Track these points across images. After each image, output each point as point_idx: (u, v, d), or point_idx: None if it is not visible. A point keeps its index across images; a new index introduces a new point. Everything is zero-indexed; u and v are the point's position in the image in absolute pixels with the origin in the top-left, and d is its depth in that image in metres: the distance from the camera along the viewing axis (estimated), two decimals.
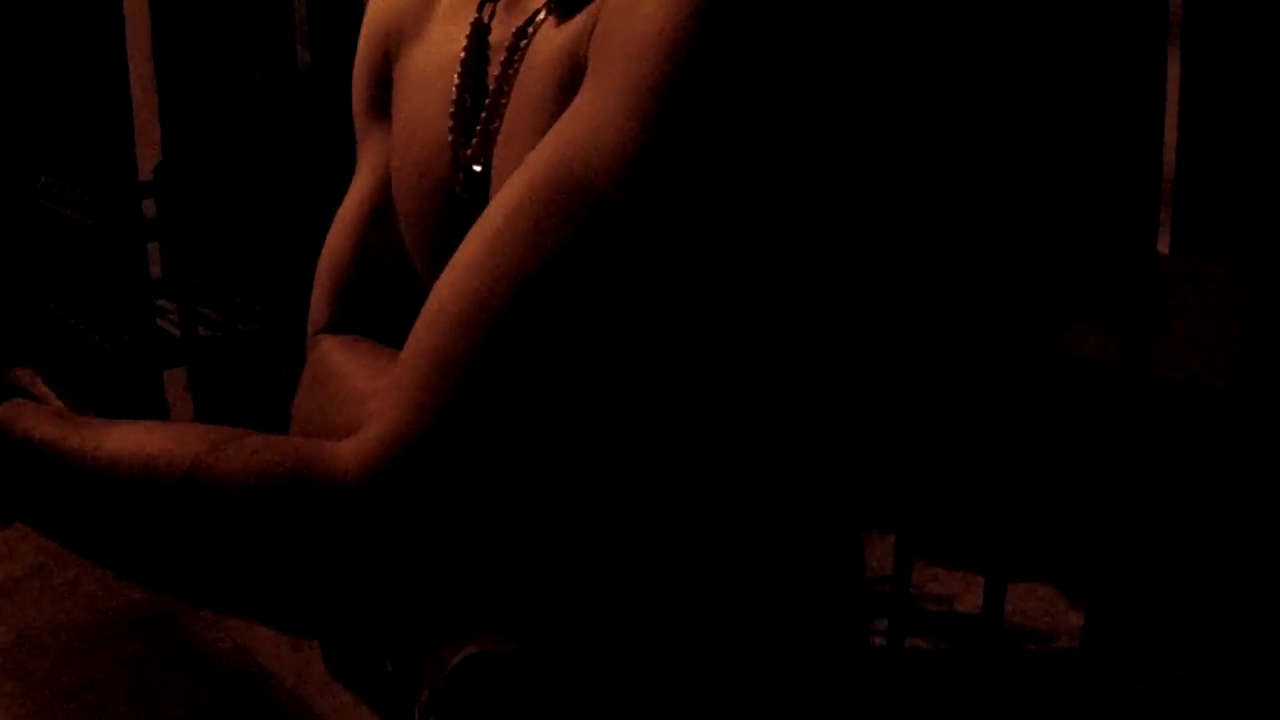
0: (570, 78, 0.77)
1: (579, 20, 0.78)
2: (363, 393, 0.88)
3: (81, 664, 3.27)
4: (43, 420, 0.79)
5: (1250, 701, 2.04)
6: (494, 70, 0.86)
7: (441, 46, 0.91)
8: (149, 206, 3.83)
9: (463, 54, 0.88)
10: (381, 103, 0.98)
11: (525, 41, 0.83)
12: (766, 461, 0.85)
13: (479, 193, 0.85)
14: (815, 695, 0.88)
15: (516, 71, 0.83)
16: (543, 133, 0.75)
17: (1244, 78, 2.54)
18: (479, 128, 0.85)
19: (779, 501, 0.87)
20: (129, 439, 0.75)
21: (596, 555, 0.83)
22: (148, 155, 3.97)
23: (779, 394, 0.85)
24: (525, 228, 0.71)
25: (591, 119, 0.71)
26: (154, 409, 4.13)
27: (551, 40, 0.80)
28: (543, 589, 0.83)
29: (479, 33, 0.87)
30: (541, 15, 0.82)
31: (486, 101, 0.85)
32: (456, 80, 0.87)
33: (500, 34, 0.86)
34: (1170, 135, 2.59)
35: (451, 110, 0.87)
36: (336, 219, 1.00)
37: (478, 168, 0.85)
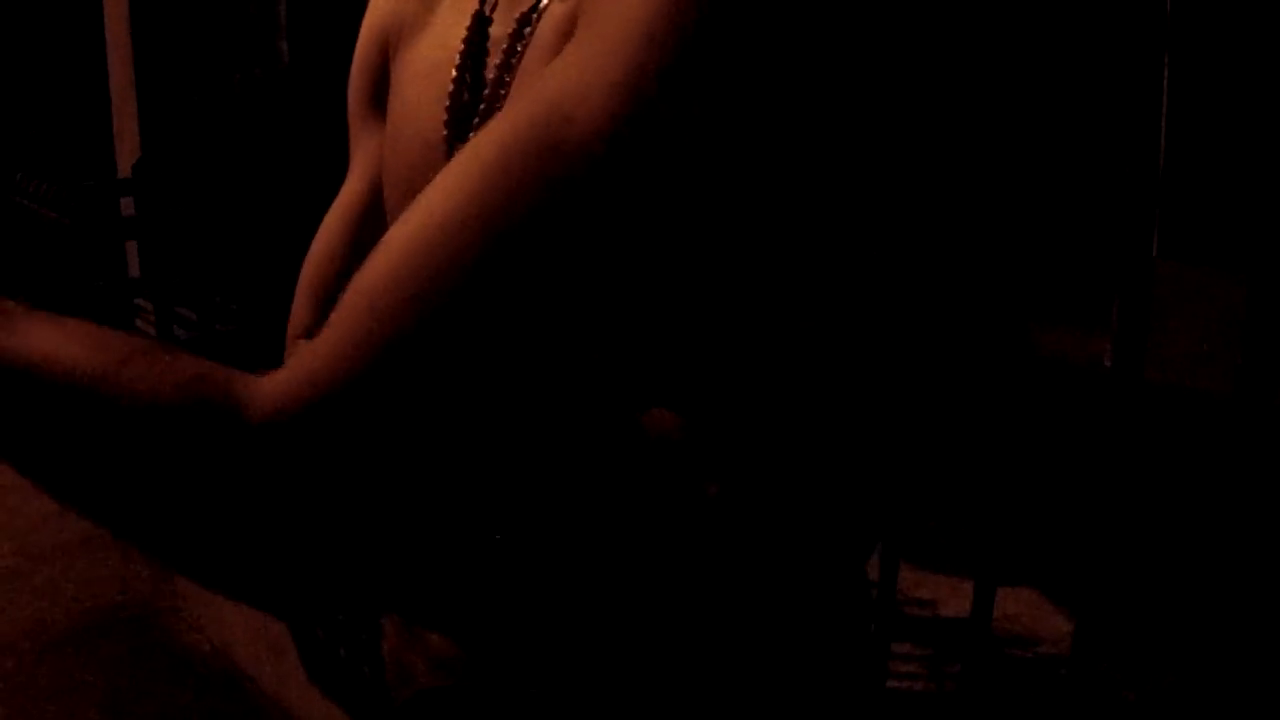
0: None
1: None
2: None
3: (57, 667, 3.24)
4: None
5: (1236, 706, 2.04)
6: (494, 62, 0.82)
7: (442, 39, 0.87)
8: (127, 204, 3.79)
9: (462, 46, 0.84)
10: (378, 101, 0.94)
11: (530, 29, 0.80)
12: (757, 455, 0.81)
13: None
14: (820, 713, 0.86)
15: (518, 63, 0.80)
16: None
17: (1234, 79, 2.54)
18: (476, 121, 0.82)
19: (777, 513, 0.83)
20: (51, 341, 0.67)
21: (573, 569, 0.79)
22: (126, 153, 3.93)
23: (763, 381, 0.80)
24: (498, 174, 0.65)
25: (580, 69, 0.66)
26: None
27: (555, 29, 0.77)
28: (499, 591, 0.78)
29: (480, 24, 0.84)
30: (545, 3, 0.79)
31: (485, 93, 0.82)
32: (454, 74, 0.84)
33: (502, 26, 0.83)
34: (1159, 135, 2.59)
35: (448, 104, 0.83)
36: (324, 222, 0.97)
37: None
